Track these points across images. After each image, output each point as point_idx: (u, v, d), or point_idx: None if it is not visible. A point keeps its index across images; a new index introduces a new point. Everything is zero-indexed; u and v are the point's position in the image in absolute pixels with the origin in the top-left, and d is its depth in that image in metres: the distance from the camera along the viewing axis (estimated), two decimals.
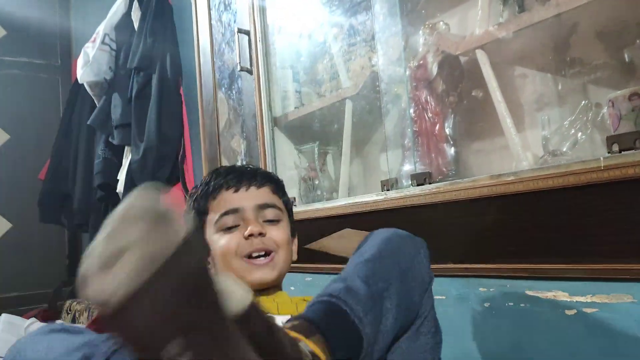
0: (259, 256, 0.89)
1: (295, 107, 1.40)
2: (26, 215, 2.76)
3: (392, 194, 1.04)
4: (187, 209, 0.97)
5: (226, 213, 0.89)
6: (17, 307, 2.64)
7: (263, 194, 0.92)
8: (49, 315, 2.42)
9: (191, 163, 1.83)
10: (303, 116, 1.37)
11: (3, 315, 2.14)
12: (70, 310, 2.48)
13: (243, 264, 0.88)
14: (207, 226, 0.92)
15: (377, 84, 1.16)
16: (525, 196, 0.82)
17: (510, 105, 0.95)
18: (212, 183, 0.93)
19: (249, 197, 0.90)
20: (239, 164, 1.55)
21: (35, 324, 2.16)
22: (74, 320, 2.36)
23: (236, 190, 0.90)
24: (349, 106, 1.23)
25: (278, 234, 0.91)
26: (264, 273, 0.89)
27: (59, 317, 2.47)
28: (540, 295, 0.85)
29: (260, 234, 0.88)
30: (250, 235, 0.87)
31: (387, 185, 1.07)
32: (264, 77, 1.43)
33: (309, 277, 1.31)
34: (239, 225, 0.89)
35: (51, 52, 3.04)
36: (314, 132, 1.40)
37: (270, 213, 0.91)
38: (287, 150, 1.43)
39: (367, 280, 0.64)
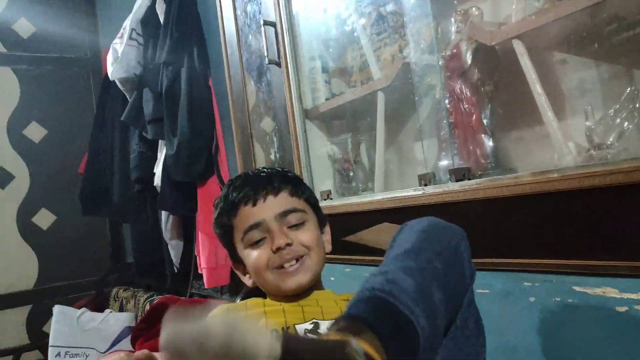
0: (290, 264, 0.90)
1: (326, 99, 1.39)
2: (69, 207, 2.86)
3: (430, 189, 1.02)
4: (215, 224, 0.98)
5: (250, 229, 0.90)
6: (67, 295, 2.77)
7: (282, 201, 0.91)
8: (98, 303, 2.52)
9: (225, 156, 1.84)
10: (335, 108, 1.35)
11: (56, 306, 2.25)
12: (117, 297, 2.58)
13: (275, 275, 0.89)
14: (236, 242, 0.93)
15: (409, 74, 1.13)
16: (570, 194, 0.80)
17: (550, 93, 0.92)
18: (231, 198, 0.93)
19: (268, 208, 0.90)
20: (272, 156, 1.56)
21: (86, 314, 2.26)
22: (121, 307, 2.45)
23: (254, 204, 0.90)
24: (381, 98, 1.21)
25: (305, 237, 0.91)
26: (297, 279, 0.90)
27: (107, 305, 2.57)
28: (589, 291, 0.84)
29: (288, 245, 0.88)
30: (278, 248, 0.88)
31: (424, 179, 1.06)
32: (293, 69, 1.42)
33: (348, 268, 1.32)
34: (265, 237, 0.90)
35: (79, 45, 3.08)
36: (346, 123, 1.39)
37: (292, 218, 0.91)
38: (320, 142, 1.43)
39: (411, 271, 0.61)
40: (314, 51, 1.43)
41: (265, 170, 0.95)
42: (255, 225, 0.88)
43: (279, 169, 0.96)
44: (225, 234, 0.93)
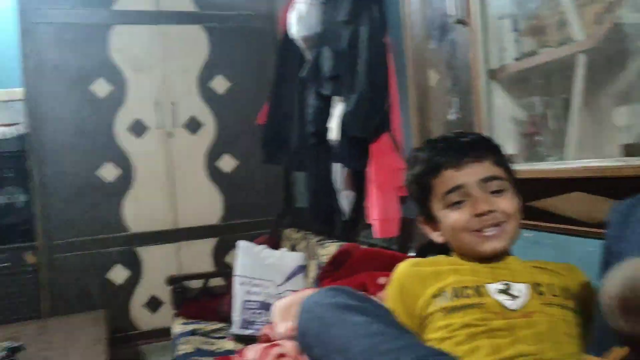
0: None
1: (514, 59, 1.35)
2: (248, 154, 3.18)
3: (636, 160, 0.97)
4: (410, 181, 1.03)
5: (450, 191, 0.94)
6: (245, 232, 3.12)
7: (485, 167, 0.94)
8: (273, 242, 2.80)
9: (398, 112, 1.89)
10: (524, 69, 1.31)
11: (240, 242, 2.55)
12: (289, 238, 2.84)
13: (473, 237, 0.93)
14: (433, 201, 0.98)
15: (619, 35, 1.05)
16: None
17: None
18: (432, 161, 0.97)
19: (471, 173, 0.93)
20: (450, 117, 1.57)
21: (265, 250, 2.53)
22: (293, 247, 2.70)
23: (458, 168, 0.93)
24: (581, 60, 1.14)
25: (506, 204, 0.93)
26: (494, 244, 0.93)
27: (280, 245, 2.85)
28: None
29: (490, 211, 0.91)
30: (479, 214, 0.91)
31: (629, 150, 1.00)
32: (480, 28, 1.39)
33: (529, 233, 1.31)
34: (465, 200, 0.93)
35: (259, 3, 3.29)
36: (535, 84, 1.34)
37: (494, 184, 0.93)
38: (504, 104, 1.40)
39: None
40: (504, 9, 1.38)
41: (468, 135, 0.98)
42: (457, 188, 0.92)
43: (482, 135, 0.98)
44: (422, 192, 0.99)
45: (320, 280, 1.50)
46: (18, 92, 3.02)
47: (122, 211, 3.04)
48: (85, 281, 2.97)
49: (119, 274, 3.03)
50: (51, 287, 2.91)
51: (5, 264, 2.91)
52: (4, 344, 2.12)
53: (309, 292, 1.41)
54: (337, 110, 2.04)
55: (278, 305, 1.27)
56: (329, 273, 1.44)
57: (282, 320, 1.26)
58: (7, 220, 3.01)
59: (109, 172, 3.02)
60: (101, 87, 3.02)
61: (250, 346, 1.26)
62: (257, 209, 3.28)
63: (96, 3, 3.02)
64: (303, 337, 0.85)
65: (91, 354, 2.08)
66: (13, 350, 2.08)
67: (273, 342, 1.20)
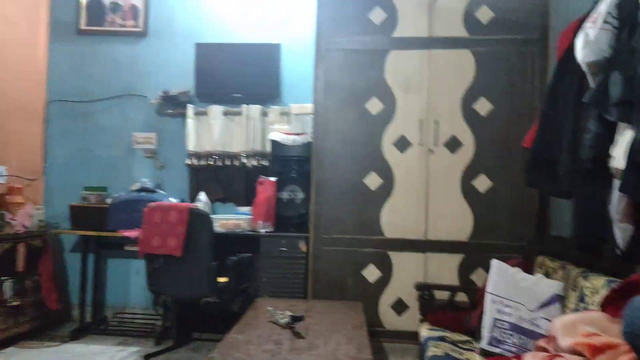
0: None
1: None
2: (503, 175, 3.21)
3: None
4: None
5: None
6: (493, 252, 3.13)
7: None
8: (526, 266, 2.77)
9: None
10: None
11: (494, 260, 2.59)
12: (542, 265, 2.77)
13: None
14: None
15: None
16: None
17: None
18: None
19: None
20: None
21: (519, 273, 2.53)
22: (547, 275, 2.63)
23: None
24: None
25: None
26: None
27: (531, 270, 2.79)
28: None
29: None
30: None
31: None
32: None
33: None
34: None
35: (530, 27, 3.30)
36: None
37: None
38: None
39: None
40: None
41: None
42: None
43: None
44: None
45: (602, 308, 1.48)
46: (308, 107, 3.61)
47: (380, 217, 3.36)
48: (343, 274, 3.36)
49: (372, 273, 3.35)
50: (315, 273, 3.38)
51: (284, 249, 3.48)
52: (287, 312, 2.56)
53: (594, 314, 1.42)
54: (625, 137, 1.95)
55: (561, 322, 1.32)
56: (614, 300, 1.41)
57: (565, 335, 1.29)
58: (288, 213, 3.60)
59: (373, 181, 3.38)
60: (374, 105, 3.40)
61: (529, 354, 1.33)
62: (505, 231, 3.28)
63: (378, 31, 3.42)
64: (633, 325, 0.95)
65: (355, 337, 2.37)
66: (295, 319, 2.50)
67: (555, 354, 1.25)
